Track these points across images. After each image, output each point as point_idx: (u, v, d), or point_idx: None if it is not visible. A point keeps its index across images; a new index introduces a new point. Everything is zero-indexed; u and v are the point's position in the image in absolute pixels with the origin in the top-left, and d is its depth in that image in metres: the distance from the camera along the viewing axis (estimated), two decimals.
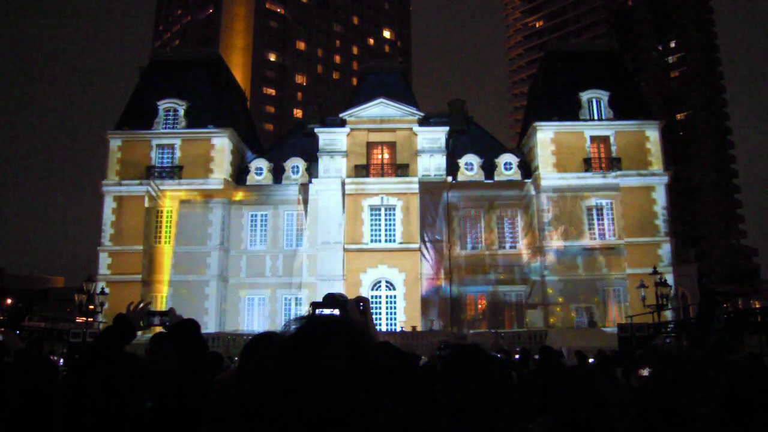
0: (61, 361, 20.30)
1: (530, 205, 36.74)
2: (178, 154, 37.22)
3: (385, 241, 36.30)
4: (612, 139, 36.93)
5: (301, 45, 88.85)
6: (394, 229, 36.36)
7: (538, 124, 37.31)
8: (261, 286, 36.35)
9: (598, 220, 35.97)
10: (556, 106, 37.41)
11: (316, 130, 38.30)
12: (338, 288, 35.35)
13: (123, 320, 3.29)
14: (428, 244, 35.75)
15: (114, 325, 3.28)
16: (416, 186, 36.47)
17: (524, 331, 32.21)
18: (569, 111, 37.33)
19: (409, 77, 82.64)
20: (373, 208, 36.65)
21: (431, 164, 37.01)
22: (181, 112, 37.95)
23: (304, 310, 36.23)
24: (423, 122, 37.95)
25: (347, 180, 36.67)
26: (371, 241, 36.33)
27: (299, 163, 38.04)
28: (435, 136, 37.46)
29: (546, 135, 36.99)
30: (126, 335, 3.27)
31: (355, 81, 63.62)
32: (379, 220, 36.56)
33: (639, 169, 36.30)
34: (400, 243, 36.07)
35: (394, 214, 36.58)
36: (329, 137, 37.68)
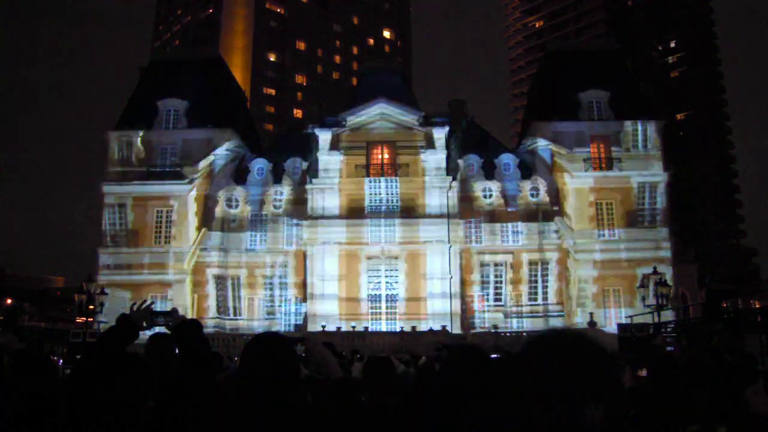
0: (61, 361, 20.28)
1: (530, 205, 36.79)
2: (178, 153, 37.24)
3: (385, 241, 36.27)
4: (612, 140, 36.95)
5: (301, 45, 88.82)
6: (395, 229, 36.30)
7: (537, 123, 37.33)
8: (261, 287, 36.31)
9: (598, 220, 35.98)
10: (556, 106, 37.43)
11: (315, 130, 38.30)
12: (336, 288, 35.40)
13: (126, 320, 3.30)
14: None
15: (117, 326, 3.29)
16: (416, 186, 36.49)
17: (524, 331, 32.22)
18: (569, 111, 37.35)
19: (409, 77, 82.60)
20: (373, 209, 36.59)
21: (431, 164, 37.00)
22: (181, 112, 37.98)
23: (304, 311, 36.30)
24: (423, 122, 37.95)
25: (347, 180, 36.67)
26: (371, 241, 36.30)
27: (299, 163, 38.03)
28: (435, 136, 37.45)
29: (545, 135, 37.00)
30: (129, 335, 3.28)
31: (355, 81, 63.58)
32: (380, 219, 36.50)
33: (639, 169, 36.31)
34: (400, 243, 36.04)
35: (394, 213, 36.52)
36: (329, 137, 37.66)
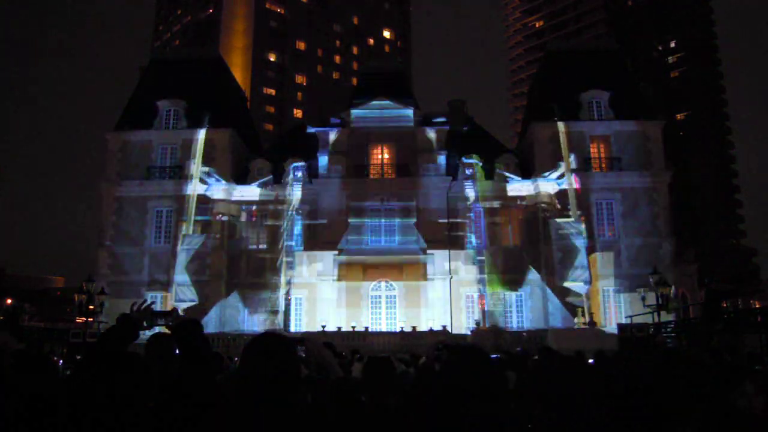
0: (61, 361, 20.28)
1: (530, 205, 36.78)
2: (178, 153, 37.25)
3: (385, 241, 36.28)
4: (612, 139, 36.95)
5: (301, 45, 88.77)
6: (394, 229, 36.32)
7: (537, 124, 37.33)
8: (261, 286, 36.30)
9: (598, 220, 35.98)
10: (556, 106, 37.41)
11: (315, 130, 38.30)
12: (335, 288, 35.42)
13: (126, 320, 3.30)
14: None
15: (117, 325, 3.29)
16: (416, 186, 36.49)
17: (524, 331, 32.21)
18: (569, 111, 37.32)
19: (409, 77, 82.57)
20: (373, 209, 36.62)
21: (431, 164, 37.00)
22: (181, 112, 37.99)
23: (304, 311, 36.32)
24: (423, 122, 37.96)
25: (347, 181, 36.67)
26: (371, 241, 36.32)
27: (299, 163, 38.00)
28: (435, 136, 37.46)
29: (545, 135, 37.01)
30: (129, 335, 3.28)
31: (355, 81, 63.56)
32: (379, 219, 36.52)
33: (639, 170, 36.31)
34: (400, 243, 36.07)
35: (394, 214, 36.54)
36: (329, 137, 37.67)
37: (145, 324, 3.46)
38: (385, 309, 35.60)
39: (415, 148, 37.30)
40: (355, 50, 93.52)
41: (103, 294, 28.73)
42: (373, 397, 4.01)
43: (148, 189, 36.50)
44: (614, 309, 34.66)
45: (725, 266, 69.53)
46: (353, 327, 32.65)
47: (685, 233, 67.88)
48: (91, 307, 28.28)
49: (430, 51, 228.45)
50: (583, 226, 34.95)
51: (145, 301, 3.78)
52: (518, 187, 37.01)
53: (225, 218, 36.58)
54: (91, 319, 28.45)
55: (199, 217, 36.10)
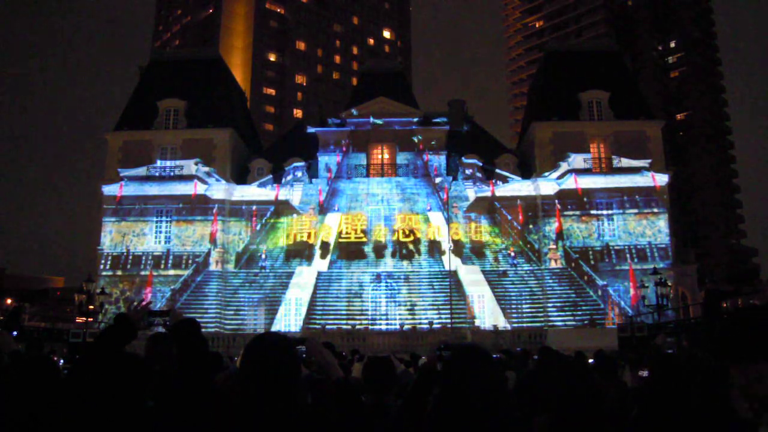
0: (61, 361, 20.25)
1: (530, 205, 36.77)
2: (178, 154, 37.25)
3: (386, 240, 36.30)
4: (612, 140, 36.95)
5: (301, 45, 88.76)
6: (394, 229, 36.30)
7: (537, 124, 37.31)
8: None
9: (598, 220, 35.97)
10: (556, 106, 37.42)
11: (315, 130, 38.32)
12: (337, 286, 35.41)
13: (124, 320, 3.29)
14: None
15: (115, 325, 3.28)
16: (415, 185, 36.53)
17: (524, 330, 32.18)
18: (569, 111, 37.34)
19: (409, 77, 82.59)
20: (374, 209, 36.66)
21: (431, 164, 37.03)
22: (181, 112, 37.98)
23: (304, 311, 36.30)
24: (423, 122, 37.98)
25: (347, 180, 36.71)
26: (372, 239, 36.32)
27: (299, 163, 38.02)
28: (435, 135, 37.48)
29: (545, 135, 37.00)
30: (127, 335, 3.26)
31: (355, 81, 63.55)
32: (379, 219, 36.54)
33: (639, 170, 36.29)
34: (402, 241, 36.08)
35: (393, 212, 36.55)
36: (329, 137, 37.70)
37: (142, 324, 3.45)
38: (385, 307, 35.51)
39: (414, 147, 37.31)
40: (355, 50, 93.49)
41: (103, 294, 28.74)
42: (373, 397, 4.00)
43: (148, 189, 36.48)
44: (614, 309, 34.62)
45: (725, 266, 69.51)
46: (353, 326, 32.62)
47: (685, 233, 67.86)
48: (91, 307, 28.27)
49: (430, 51, 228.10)
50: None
51: (143, 300, 3.77)
52: (518, 187, 37.00)
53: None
54: (91, 319, 28.45)
55: (199, 217, 36.16)
